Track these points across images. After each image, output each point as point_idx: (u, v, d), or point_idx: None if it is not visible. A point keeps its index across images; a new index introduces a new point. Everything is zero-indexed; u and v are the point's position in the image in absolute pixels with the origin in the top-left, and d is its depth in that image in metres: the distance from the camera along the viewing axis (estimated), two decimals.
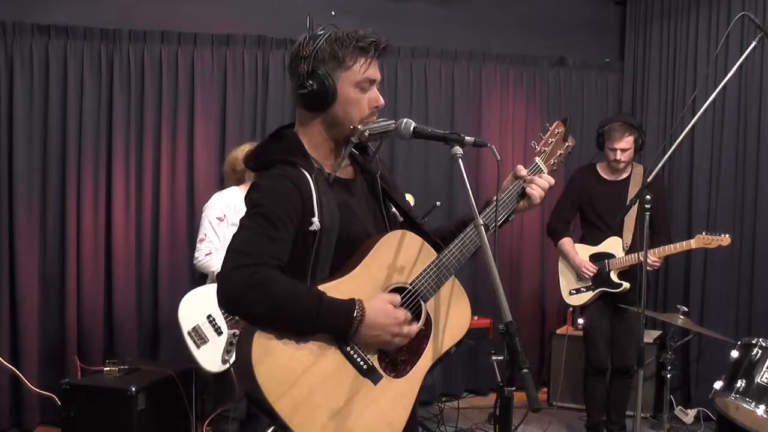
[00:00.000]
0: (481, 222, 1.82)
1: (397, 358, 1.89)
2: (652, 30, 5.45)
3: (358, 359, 1.82)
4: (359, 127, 1.89)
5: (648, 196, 3.34)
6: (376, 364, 1.85)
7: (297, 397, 1.72)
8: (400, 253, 1.91)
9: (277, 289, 1.73)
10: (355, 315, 1.77)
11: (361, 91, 1.89)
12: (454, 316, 1.98)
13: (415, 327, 1.88)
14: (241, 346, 1.79)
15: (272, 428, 1.87)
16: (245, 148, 3.80)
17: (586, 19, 5.72)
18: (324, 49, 1.86)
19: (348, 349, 1.82)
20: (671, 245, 4.12)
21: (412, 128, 1.92)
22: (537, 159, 2.13)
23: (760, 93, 4.62)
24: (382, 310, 1.81)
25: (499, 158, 1.85)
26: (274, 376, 1.71)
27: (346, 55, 1.86)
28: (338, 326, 1.77)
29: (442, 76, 5.35)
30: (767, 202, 4.60)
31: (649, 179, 3.36)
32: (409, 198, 4.12)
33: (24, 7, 4.56)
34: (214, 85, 4.86)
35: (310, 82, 1.86)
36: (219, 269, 3.47)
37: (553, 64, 5.64)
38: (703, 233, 4.06)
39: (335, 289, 1.81)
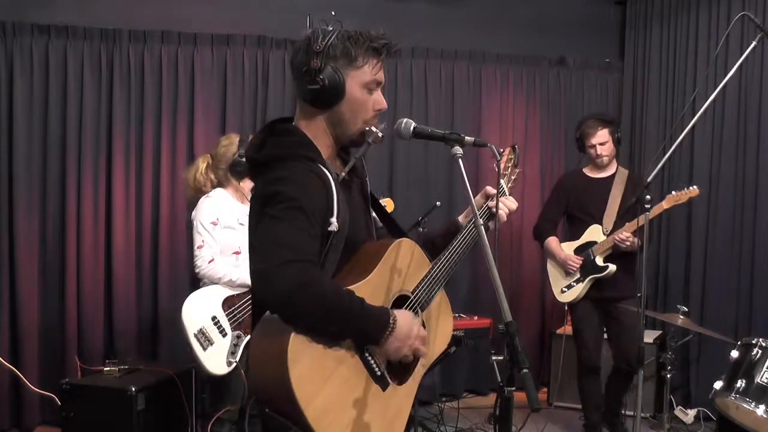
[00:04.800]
0: (481, 222, 1.84)
1: (400, 366, 1.91)
2: (652, 30, 5.45)
3: (374, 365, 1.83)
4: (372, 129, 1.89)
5: (648, 196, 3.35)
6: (385, 372, 1.86)
7: (323, 401, 1.71)
8: (405, 261, 1.93)
9: (326, 288, 1.69)
10: (390, 322, 1.78)
11: (368, 92, 1.88)
12: (441, 326, 2.04)
13: (426, 349, 1.90)
14: (267, 348, 1.73)
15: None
16: (199, 165, 3.78)
17: (586, 19, 5.72)
18: (336, 46, 1.82)
19: (366, 355, 1.82)
20: (643, 215, 4.07)
21: (412, 128, 1.94)
22: (502, 181, 2.18)
23: (760, 93, 4.62)
24: (409, 324, 1.83)
25: (499, 158, 1.87)
26: (305, 380, 1.67)
27: (358, 55, 1.84)
28: (373, 332, 1.77)
29: (442, 76, 5.35)
30: (767, 202, 4.60)
31: (649, 179, 3.38)
32: (388, 202, 4.12)
33: (24, 7, 4.56)
34: (214, 85, 4.86)
35: (322, 77, 1.81)
36: (227, 275, 3.48)
37: (553, 64, 5.64)
38: (673, 192, 4.04)
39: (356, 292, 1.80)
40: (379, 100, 1.91)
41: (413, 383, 1.94)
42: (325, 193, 1.79)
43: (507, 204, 2.12)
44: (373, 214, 2.09)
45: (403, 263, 1.93)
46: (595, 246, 4.22)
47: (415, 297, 1.96)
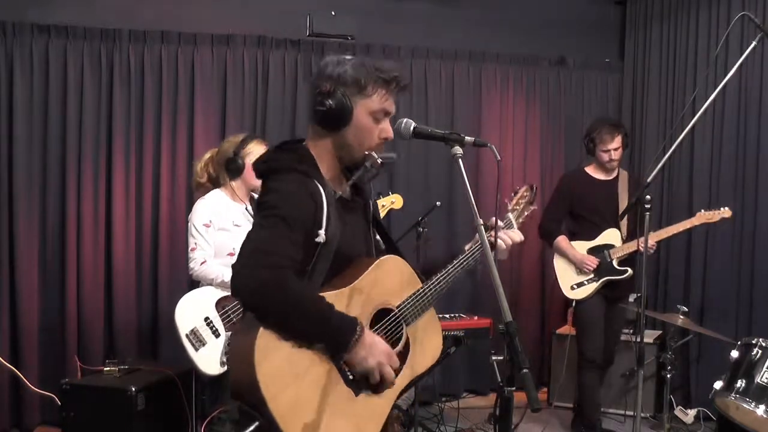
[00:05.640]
0: (481, 222, 1.90)
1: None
2: (652, 30, 5.45)
3: (346, 370, 1.88)
4: (373, 154, 1.97)
5: (648, 197, 3.36)
6: (358, 379, 1.90)
7: (290, 398, 1.77)
8: (391, 277, 2.02)
9: (295, 291, 1.79)
10: (357, 330, 1.84)
11: (374, 120, 1.96)
12: (428, 344, 2.09)
13: (392, 370, 1.93)
14: (240, 343, 1.82)
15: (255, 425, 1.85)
16: (204, 157, 3.79)
17: (586, 19, 5.71)
18: (348, 74, 1.92)
19: (339, 358, 1.87)
20: (673, 226, 4.29)
21: (412, 128, 1.99)
22: (510, 215, 2.29)
23: (760, 93, 4.62)
24: (376, 338, 1.90)
25: (499, 158, 1.94)
26: (273, 375, 1.75)
27: (368, 84, 1.93)
28: (339, 338, 1.83)
29: (442, 76, 5.35)
30: (767, 202, 4.60)
31: (649, 179, 3.38)
32: (398, 198, 4.12)
33: (24, 7, 4.55)
34: (214, 85, 4.86)
35: (330, 101, 1.91)
36: (219, 276, 3.49)
37: (553, 64, 5.64)
38: (702, 210, 4.22)
39: (331, 300, 1.86)
40: (385, 128, 1.99)
41: (391, 394, 1.97)
42: (314, 205, 1.88)
43: (512, 236, 2.19)
44: (377, 237, 2.18)
45: (389, 278, 2.01)
46: (614, 249, 4.33)
47: (399, 311, 2.02)
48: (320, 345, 1.83)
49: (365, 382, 1.91)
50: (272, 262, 1.77)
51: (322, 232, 1.87)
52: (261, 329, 1.76)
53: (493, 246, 2.05)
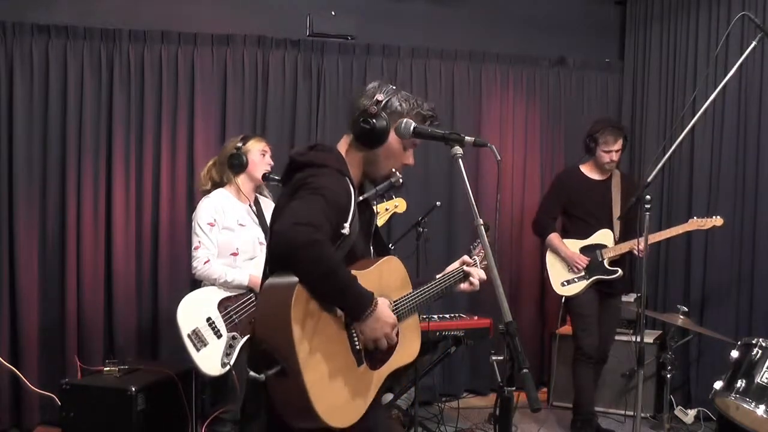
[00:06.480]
0: (481, 222, 1.98)
1: (375, 353, 2.13)
2: (652, 30, 5.45)
3: (355, 338, 2.05)
4: (397, 173, 2.23)
5: (648, 196, 3.37)
6: (362, 350, 2.08)
7: (310, 347, 1.91)
8: (393, 275, 2.26)
9: (327, 254, 1.92)
10: (372, 303, 2.00)
11: (403, 148, 2.19)
12: (409, 344, 2.27)
13: (396, 338, 2.15)
14: (279, 289, 1.93)
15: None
16: (209, 163, 3.84)
17: (586, 19, 5.72)
18: (393, 102, 2.16)
19: (351, 328, 2.04)
20: (666, 230, 4.41)
21: (411, 128, 2.09)
22: (476, 258, 2.53)
23: (760, 93, 4.62)
24: (386, 310, 2.06)
25: (499, 158, 2.01)
26: (302, 320, 1.90)
27: (408, 116, 2.15)
28: (357, 307, 1.99)
29: (442, 76, 5.35)
30: (767, 202, 4.60)
31: (649, 179, 3.39)
32: (401, 201, 4.14)
33: (24, 7, 4.55)
34: (214, 85, 4.85)
35: (374, 121, 2.12)
36: (222, 276, 3.49)
37: (553, 64, 5.64)
38: (695, 217, 4.36)
39: None
40: (409, 157, 2.24)
41: (381, 374, 2.15)
42: (347, 199, 2.05)
43: (480, 274, 2.46)
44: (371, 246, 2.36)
45: (391, 275, 2.24)
46: (606, 249, 4.40)
47: (395, 305, 2.18)
48: (338, 311, 1.98)
49: (366, 355, 2.08)
50: (310, 223, 1.90)
51: (347, 225, 2.04)
52: (298, 284, 1.90)
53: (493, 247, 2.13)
